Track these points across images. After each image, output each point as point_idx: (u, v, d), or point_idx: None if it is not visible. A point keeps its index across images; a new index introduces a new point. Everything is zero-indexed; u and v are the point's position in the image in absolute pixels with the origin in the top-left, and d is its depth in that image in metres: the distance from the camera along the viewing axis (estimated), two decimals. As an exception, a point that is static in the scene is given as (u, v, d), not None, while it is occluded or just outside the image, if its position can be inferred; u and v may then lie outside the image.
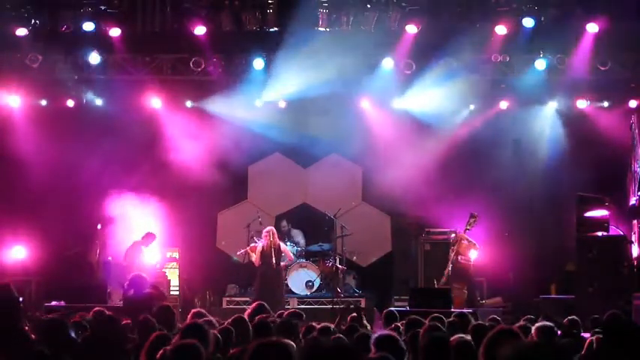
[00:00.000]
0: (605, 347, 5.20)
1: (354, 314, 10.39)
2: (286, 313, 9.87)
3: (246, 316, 8.81)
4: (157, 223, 17.05)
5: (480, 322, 8.43)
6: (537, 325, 8.22)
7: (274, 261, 15.33)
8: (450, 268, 15.60)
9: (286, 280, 17.02)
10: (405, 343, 6.55)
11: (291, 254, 16.54)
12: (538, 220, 17.11)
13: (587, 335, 8.67)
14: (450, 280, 15.52)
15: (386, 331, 7.07)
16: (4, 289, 7.96)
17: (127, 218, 16.64)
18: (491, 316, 11.22)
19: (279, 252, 15.51)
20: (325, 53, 16.45)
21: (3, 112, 17.34)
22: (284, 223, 18.23)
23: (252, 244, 15.78)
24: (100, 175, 16.87)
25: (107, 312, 9.34)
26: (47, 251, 16.70)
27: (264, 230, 15.62)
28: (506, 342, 5.09)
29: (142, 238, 16.04)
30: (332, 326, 8.73)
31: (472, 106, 17.75)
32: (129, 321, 8.75)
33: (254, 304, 9.68)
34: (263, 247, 15.38)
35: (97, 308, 10.01)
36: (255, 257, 15.44)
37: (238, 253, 16.19)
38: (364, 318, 10.61)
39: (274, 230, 15.70)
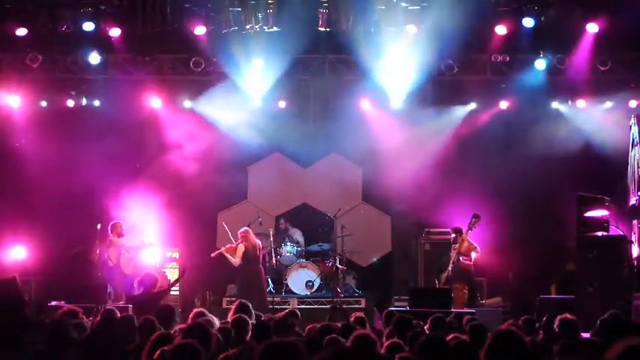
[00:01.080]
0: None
1: (358, 314, 10.36)
2: (284, 312, 9.88)
3: (230, 316, 8.83)
4: (157, 223, 17.05)
5: (476, 322, 8.43)
6: (560, 317, 8.25)
7: (258, 261, 15.37)
8: (450, 268, 15.60)
9: (286, 280, 17.05)
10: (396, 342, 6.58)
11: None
12: (538, 220, 17.10)
13: (586, 335, 8.66)
14: (450, 280, 15.52)
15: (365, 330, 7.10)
16: (9, 284, 7.97)
17: (127, 218, 16.63)
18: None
19: (259, 251, 15.55)
20: (325, 53, 16.47)
21: (3, 112, 17.34)
22: (282, 220, 18.26)
23: (228, 245, 15.69)
24: (100, 175, 16.85)
25: (116, 311, 9.32)
26: (47, 251, 16.69)
27: (240, 232, 15.53)
28: (508, 343, 5.09)
29: (111, 234, 15.88)
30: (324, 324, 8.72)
31: (472, 105, 17.75)
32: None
33: (237, 303, 9.65)
34: (247, 248, 15.34)
35: (107, 307, 9.97)
36: (236, 258, 15.33)
37: (212, 255, 15.90)
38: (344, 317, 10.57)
39: (249, 230, 15.68)
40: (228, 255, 15.43)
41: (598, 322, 8.94)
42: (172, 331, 7.75)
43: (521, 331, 5.71)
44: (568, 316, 8.31)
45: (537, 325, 9.68)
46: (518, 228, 17.02)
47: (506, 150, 17.21)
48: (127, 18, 15.99)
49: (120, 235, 15.97)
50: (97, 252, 16.46)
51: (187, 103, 17.84)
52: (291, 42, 16.14)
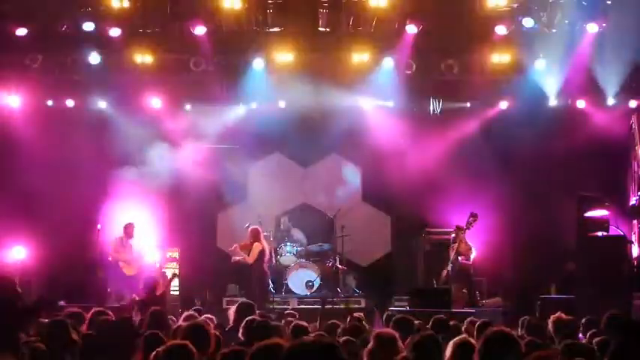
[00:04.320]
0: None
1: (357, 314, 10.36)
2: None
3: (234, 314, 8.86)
4: (157, 223, 17.06)
5: (485, 320, 8.40)
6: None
7: (264, 261, 15.48)
8: (449, 268, 15.61)
9: (286, 280, 17.05)
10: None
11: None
12: (538, 220, 17.10)
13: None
14: (449, 280, 15.53)
15: (387, 329, 7.10)
16: (5, 285, 7.97)
17: (127, 218, 16.63)
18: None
19: (267, 252, 15.73)
20: (325, 53, 16.48)
21: (3, 112, 17.34)
22: (284, 220, 18.28)
23: (243, 242, 15.75)
24: (100, 176, 16.86)
25: (111, 314, 9.28)
26: (47, 251, 16.68)
27: (252, 229, 15.62)
28: (501, 345, 5.08)
29: (123, 234, 16.09)
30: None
31: (472, 105, 17.73)
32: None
33: (240, 303, 9.66)
34: (264, 247, 15.41)
35: (97, 309, 9.92)
36: (250, 256, 15.39)
37: (230, 249, 16.06)
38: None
39: (260, 229, 15.81)
40: (240, 252, 15.48)
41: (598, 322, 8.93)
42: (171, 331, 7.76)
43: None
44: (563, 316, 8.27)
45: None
46: (518, 228, 17.03)
47: (506, 150, 17.21)
48: (127, 18, 15.97)
49: (130, 236, 16.00)
50: (97, 252, 16.50)
51: (187, 103, 17.84)
52: (291, 42, 16.15)
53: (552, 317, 8.24)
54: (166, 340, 6.40)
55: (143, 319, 8.36)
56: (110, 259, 16.00)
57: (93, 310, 9.35)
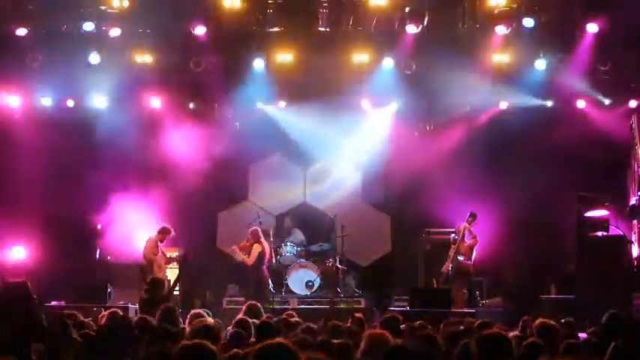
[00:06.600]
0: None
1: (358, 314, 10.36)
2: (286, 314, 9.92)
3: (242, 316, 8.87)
4: (157, 223, 17.04)
5: (486, 320, 8.39)
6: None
7: (265, 261, 15.52)
8: (450, 267, 15.60)
9: (286, 280, 17.06)
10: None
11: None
12: (538, 220, 17.10)
13: (583, 335, 8.65)
14: (450, 280, 15.53)
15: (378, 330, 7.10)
16: (21, 288, 7.98)
17: (127, 218, 16.63)
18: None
19: (267, 253, 15.75)
20: (325, 53, 16.49)
21: (3, 112, 17.35)
22: (287, 219, 18.29)
23: (242, 243, 15.75)
24: (101, 175, 16.85)
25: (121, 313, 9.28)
26: (47, 251, 16.67)
27: (252, 230, 15.61)
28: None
29: (157, 233, 15.49)
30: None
31: (472, 105, 17.72)
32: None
33: (248, 305, 9.70)
34: (264, 248, 15.42)
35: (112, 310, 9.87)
36: (250, 257, 15.39)
37: (229, 249, 16.06)
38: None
39: (259, 230, 15.80)
40: (240, 253, 15.48)
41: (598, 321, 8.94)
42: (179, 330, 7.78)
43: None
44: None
45: None
46: (518, 228, 17.02)
47: (506, 150, 17.21)
48: (127, 18, 15.98)
49: (162, 240, 15.60)
50: (97, 252, 16.50)
51: (187, 103, 17.85)
52: (291, 42, 16.16)
53: (537, 321, 8.15)
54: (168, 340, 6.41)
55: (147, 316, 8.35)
56: (145, 262, 15.48)
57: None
